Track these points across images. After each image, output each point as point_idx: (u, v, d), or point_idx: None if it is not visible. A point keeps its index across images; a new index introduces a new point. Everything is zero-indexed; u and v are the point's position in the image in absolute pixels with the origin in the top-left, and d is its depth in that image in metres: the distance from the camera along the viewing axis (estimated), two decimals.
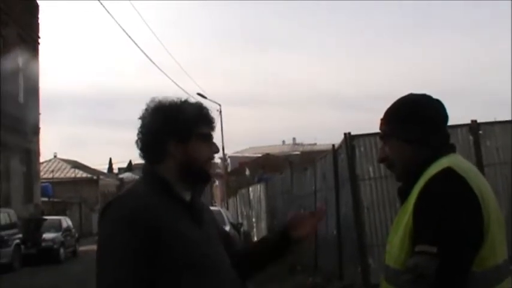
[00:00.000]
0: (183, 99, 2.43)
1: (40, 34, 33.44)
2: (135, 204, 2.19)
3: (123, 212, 2.17)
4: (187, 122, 2.34)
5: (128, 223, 2.14)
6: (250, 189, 28.54)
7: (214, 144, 2.46)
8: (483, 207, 2.10)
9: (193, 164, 2.34)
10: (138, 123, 2.39)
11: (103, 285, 2.13)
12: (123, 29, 38.72)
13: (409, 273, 2.06)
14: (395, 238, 2.25)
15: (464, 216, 2.07)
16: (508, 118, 12.32)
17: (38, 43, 33.19)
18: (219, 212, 18.77)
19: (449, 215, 2.05)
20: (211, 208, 2.98)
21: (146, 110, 2.39)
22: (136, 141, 2.39)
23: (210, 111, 2.48)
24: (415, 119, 2.32)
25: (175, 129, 2.32)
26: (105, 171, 76.83)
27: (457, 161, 2.25)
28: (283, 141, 76.55)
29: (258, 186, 26.38)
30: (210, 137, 2.43)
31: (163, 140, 2.32)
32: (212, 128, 2.46)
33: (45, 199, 37.43)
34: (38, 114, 32.61)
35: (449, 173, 2.16)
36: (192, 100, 2.48)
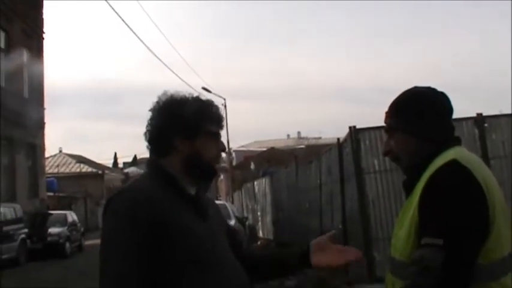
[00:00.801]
0: (194, 96, 2.43)
1: (45, 29, 33.49)
2: (138, 198, 2.17)
3: (127, 206, 2.16)
4: (195, 119, 2.33)
5: (131, 217, 2.13)
6: (255, 183, 28.54)
7: (222, 143, 2.45)
8: (488, 199, 2.10)
9: (199, 160, 2.33)
10: (148, 115, 2.39)
11: (106, 279, 2.12)
12: (127, 25, 38.77)
13: (415, 265, 2.06)
14: (400, 231, 2.25)
15: (470, 208, 2.06)
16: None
17: (43, 38, 33.20)
18: (224, 206, 18.75)
19: (454, 207, 2.05)
20: (217, 202, 2.95)
21: (157, 103, 2.38)
22: (145, 133, 2.39)
23: (219, 110, 2.47)
24: (421, 112, 2.31)
25: (182, 125, 2.32)
26: (110, 165, 77.07)
27: (462, 153, 2.25)
28: (288, 135, 76.62)
29: (263, 180, 26.38)
30: (218, 135, 2.42)
31: (169, 135, 2.32)
32: (220, 127, 2.44)
33: (51, 194, 37.52)
34: (43, 109, 32.64)
35: (454, 165, 2.15)
36: (204, 97, 2.46)
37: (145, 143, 2.40)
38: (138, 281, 2.10)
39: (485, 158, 10.90)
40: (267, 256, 2.73)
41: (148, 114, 2.39)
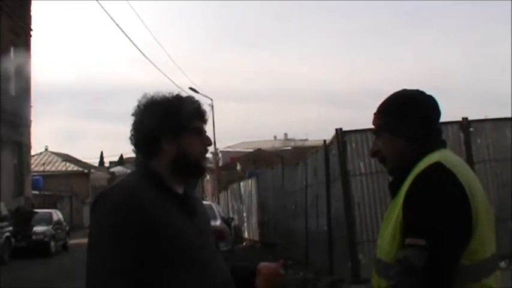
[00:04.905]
0: (174, 94, 2.43)
1: (32, 26, 33.32)
2: (126, 197, 2.19)
3: (115, 205, 2.17)
4: (179, 117, 2.34)
5: (119, 216, 2.14)
6: (242, 184, 28.52)
7: (207, 137, 2.46)
8: (472, 201, 2.13)
9: (187, 158, 2.35)
10: (131, 119, 2.39)
11: (93, 278, 2.14)
12: (115, 23, 38.65)
13: (399, 265, 2.09)
14: (386, 232, 2.28)
15: (453, 209, 2.09)
16: (498, 116, 12.40)
17: (30, 35, 33.03)
18: (210, 207, 18.72)
19: (438, 208, 2.08)
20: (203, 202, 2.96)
21: (138, 106, 2.39)
22: (130, 138, 2.39)
23: (201, 104, 2.48)
24: (410, 114, 2.34)
25: (168, 125, 2.33)
26: (97, 164, 76.62)
27: (447, 156, 2.28)
28: (275, 137, 76.32)
29: (249, 181, 26.36)
30: (202, 131, 2.43)
31: (156, 137, 2.33)
32: (204, 121, 2.46)
33: (36, 192, 37.28)
34: (30, 107, 32.47)
35: (438, 167, 2.19)
36: (184, 94, 2.48)
37: (131, 147, 2.41)
38: (125, 279, 2.11)
39: (470, 162, 10.96)
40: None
41: (132, 119, 2.40)
